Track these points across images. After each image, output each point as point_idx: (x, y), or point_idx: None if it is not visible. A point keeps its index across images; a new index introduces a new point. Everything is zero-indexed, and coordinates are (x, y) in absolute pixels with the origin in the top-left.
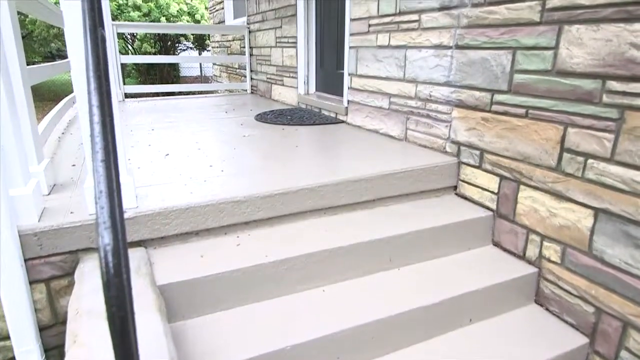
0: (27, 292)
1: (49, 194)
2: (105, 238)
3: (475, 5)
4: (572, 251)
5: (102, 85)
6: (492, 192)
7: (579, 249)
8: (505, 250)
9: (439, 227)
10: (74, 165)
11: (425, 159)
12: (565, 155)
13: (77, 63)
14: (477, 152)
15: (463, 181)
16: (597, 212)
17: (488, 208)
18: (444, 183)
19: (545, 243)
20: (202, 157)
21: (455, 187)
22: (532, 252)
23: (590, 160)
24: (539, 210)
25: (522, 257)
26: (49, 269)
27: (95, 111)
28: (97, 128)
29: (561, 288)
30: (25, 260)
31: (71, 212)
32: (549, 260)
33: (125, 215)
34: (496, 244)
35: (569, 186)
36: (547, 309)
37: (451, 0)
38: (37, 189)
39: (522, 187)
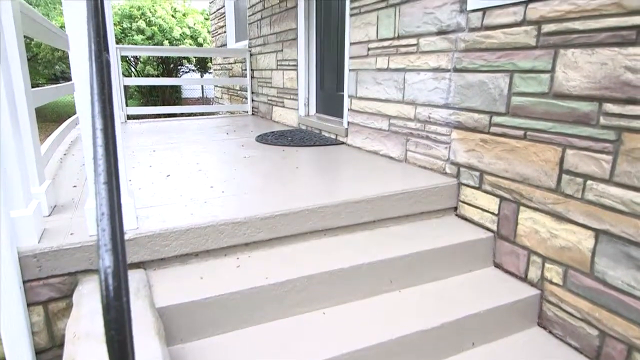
0: (24, 315)
1: (49, 215)
2: (106, 260)
3: (472, 30)
4: (574, 273)
5: (106, 109)
6: (493, 213)
7: (580, 270)
8: (506, 271)
9: (439, 249)
10: (75, 186)
11: (425, 180)
12: (565, 177)
13: (81, 86)
14: (477, 174)
15: (463, 202)
16: (597, 233)
17: (489, 229)
18: (444, 204)
19: (546, 265)
20: (203, 178)
21: (456, 208)
22: (533, 273)
23: (589, 182)
24: (539, 231)
25: (524, 278)
26: (47, 290)
27: (99, 134)
28: (100, 151)
29: (564, 310)
30: (24, 282)
31: (71, 234)
32: (551, 282)
33: (126, 237)
34: (497, 266)
35: (569, 207)
36: (550, 332)
37: (448, 25)
38: (38, 210)
39: (522, 208)
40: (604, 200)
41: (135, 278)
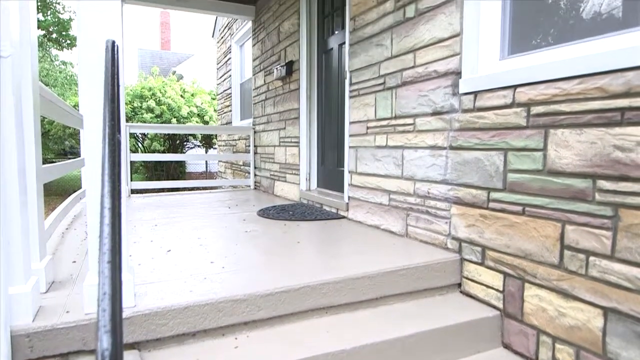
0: None
1: (46, 292)
2: (104, 342)
3: (465, 111)
4: (586, 354)
5: (115, 188)
6: (498, 290)
7: (593, 351)
8: (516, 353)
9: (444, 328)
10: (74, 261)
11: (426, 256)
12: (567, 253)
13: (92, 164)
14: (479, 249)
15: (467, 278)
16: (606, 311)
17: (495, 307)
18: (447, 280)
19: (557, 345)
20: (204, 253)
21: (460, 285)
22: (544, 355)
23: (591, 258)
24: (547, 309)
25: None
26: None
27: (107, 213)
28: (107, 230)
29: None
30: None
31: (67, 312)
32: None
33: (122, 315)
34: (506, 346)
35: (574, 284)
36: None
37: (442, 107)
38: (36, 286)
39: (527, 285)
40: (609, 276)
41: None
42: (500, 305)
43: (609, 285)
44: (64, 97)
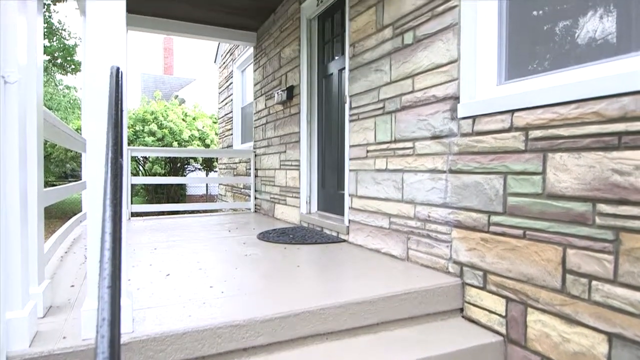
0: None
1: (44, 316)
2: None
3: (464, 135)
4: None
5: (117, 213)
6: (500, 315)
7: None
8: None
9: (446, 355)
10: (72, 285)
11: (428, 280)
12: (569, 277)
13: (94, 189)
14: (480, 273)
15: (469, 303)
16: (610, 337)
17: (498, 332)
18: (449, 305)
19: None
20: (203, 277)
21: (462, 310)
22: None
23: (594, 282)
24: (550, 335)
25: None
26: None
27: (107, 238)
28: (107, 255)
29: None
30: None
31: (64, 337)
32: None
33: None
34: None
35: (577, 309)
36: None
37: (441, 131)
38: (33, 311)
39: (529, 309)
40: (612, 301)
41: None
42: (503, 331)
43: (613, 310)
44: (67, 121)
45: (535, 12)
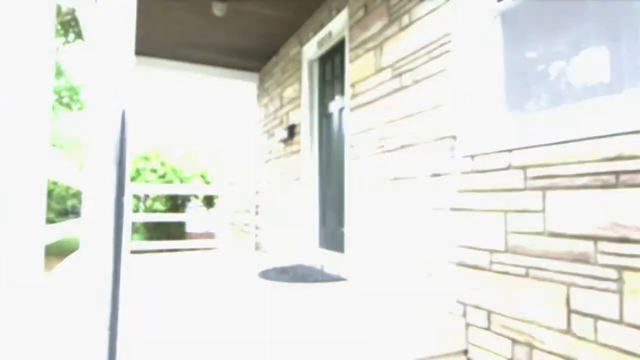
0: None
1: None
2: None
3: (463, 173)
4: None
5: (119, 253)
6: (506, 358)
7: None
8: None
9: None
10: None
11: (433, 322)
12: (574, 317)
13: (95, 227)
14: (484, 313)
15: (473, 345)
16: None
17: None
18: (453, 347)
19: None
20: (195, 323)
21: (466, 352)
22: None
23: (600, 322)
24: None
25: None
26: None
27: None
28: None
29: None
30: None
31: None
32: None
33: None
34: None
35: (584, 351)
36: None
37: (441, 169)
38: None
39: (535, 351)
40: (619, 342)
41: None
42: None
43: (622, 353)
44: (70, 158)
45: (529, 55)
